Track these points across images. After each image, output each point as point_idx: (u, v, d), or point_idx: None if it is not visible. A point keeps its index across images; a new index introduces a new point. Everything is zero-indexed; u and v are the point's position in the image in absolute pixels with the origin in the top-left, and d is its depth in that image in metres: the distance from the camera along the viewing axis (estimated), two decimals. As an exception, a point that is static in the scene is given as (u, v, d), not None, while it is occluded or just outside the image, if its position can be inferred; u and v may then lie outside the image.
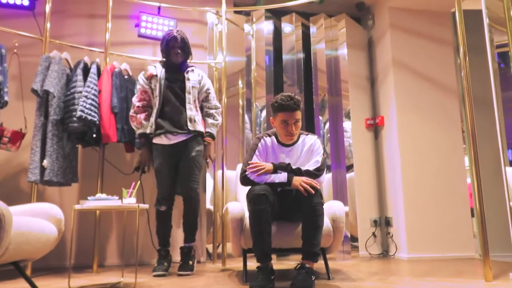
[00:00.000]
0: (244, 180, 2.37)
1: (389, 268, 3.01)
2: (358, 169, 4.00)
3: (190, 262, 2.87)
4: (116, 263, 3.43)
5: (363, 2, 4.30)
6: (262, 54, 4.02)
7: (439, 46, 3.99)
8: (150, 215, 3.29)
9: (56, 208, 2.09)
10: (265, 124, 3.89)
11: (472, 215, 3.73)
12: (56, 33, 3.52)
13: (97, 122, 3.04)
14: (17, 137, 3.04)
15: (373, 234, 3.92)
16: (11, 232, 1.62)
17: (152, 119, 2.94)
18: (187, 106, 2.96)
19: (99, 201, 2.33)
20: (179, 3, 3.80)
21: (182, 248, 2.92)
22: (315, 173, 2.35)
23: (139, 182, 2.61)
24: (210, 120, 3.10)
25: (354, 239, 3.88)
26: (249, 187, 2.37)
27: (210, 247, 3.58)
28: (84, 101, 2.99)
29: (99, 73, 3.21)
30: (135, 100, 3.03)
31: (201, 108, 3.15)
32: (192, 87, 3.01)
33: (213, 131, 3.09)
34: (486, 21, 2.74)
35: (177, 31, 3.02)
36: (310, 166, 2.39)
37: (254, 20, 4.08)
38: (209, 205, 3.61)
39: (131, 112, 3.03)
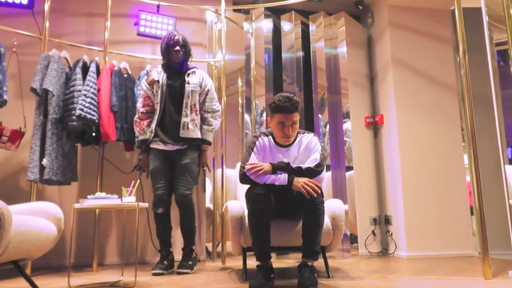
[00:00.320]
0: (244, 178, 2.35)
1: (389, 266, 3.01)
2: (358, 167, 4.00)
3: (190, 262, 2.88)
4: (116, 262, 3.43)
5: (363, 0, 4.29)
6: (261, 53, 4.01)
7: (438, 44, 3.99)
8: (149, 213, 3.29)
9: (55, 207, 2.09)
10: (265, 123, 3.89)
11: (472, 213, 3.73)
12: (55, 31, 3.51)
13: (97, 121, 3.04)
14: (17, 136, 3.04)
15: (373, 232, 3.92)
16: (10, 231, 1.62)
17: (153, 125, 2.94)
18: (183, 112, 2.92)
19: (99, 200, 2.32)
20: (178, 1, 3.79)
21: (183, 249, 2.95)
22: (316, 170, 2.32)
23: (138, 181, 2.61)
24: (205, 127, 3.04)
25: (353, 237, 3.89)
26: (248, 186, 2.36)
27: (209, 245, 3.58)
28: (83, 100, 2.99)
29: (98, 72, 3.21)
30: (139, 106, 3.03)
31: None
32: (192, 91, 2.98)
33: (208, 137, 3.06)
34: (485, 19, 2.74)
35: (177, 32, 3.03)
36: (309, 163, 2.35)
37: (253, 18, 4.07)
38: (208, 204, 3.61)
39: (136, 118, 3.03)
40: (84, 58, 3.24)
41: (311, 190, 2.19)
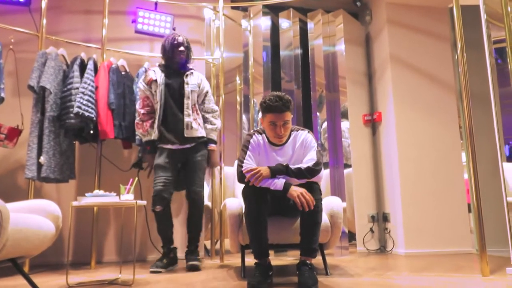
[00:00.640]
0: (241, 178, 2.32)
1: (387, 264, 3.02)
2: (356, 165, 4.01)
3: (198, 257, 2.94)
4: (114, 260, 3.43)
5: (361, -2, 4.29)
6: (259, 50, 4.01)
7: (436, 41, 3.99)
8: (148, 211, 3.29)
9: (53, 205, 2.09)
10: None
11: (469, 211, 3.74)
12: (52, 29, 3.50)
13: (94, 119, 3.03)
14: (14, 133, 3.03)
15: (371, 229, 3.93)
16: (8, 228, 1.62)
17: (156, 125, 2.94)
18: (185, 112, 2.94)
19: (97, 198, 2.32)
20: (176, -2, 3.78)
21: (189, 246, 2.97)
22: (316, 169, 2.28)
23: (136, 178, 2.60)
24: (208, 126, 3.07)
25: (351, 234, 3.90)
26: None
27: (208, 243, 3.58)
28: (81, 97, 2.98)
29: (96, 69, 3.20)
30: (138, 107, 3.03)
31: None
32: (191, 91, 3.00)
33: (213, 136, 3.08)
34: (483, 16, 2.74)
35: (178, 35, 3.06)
36: (307, 163, 2.31)
37: (251, 15, 4.07)
38: (207, 201, 3.61)
39: (137, 120, 3.03)
40: (82, 56, 3.23)
41: (305, 204, 2.13)
